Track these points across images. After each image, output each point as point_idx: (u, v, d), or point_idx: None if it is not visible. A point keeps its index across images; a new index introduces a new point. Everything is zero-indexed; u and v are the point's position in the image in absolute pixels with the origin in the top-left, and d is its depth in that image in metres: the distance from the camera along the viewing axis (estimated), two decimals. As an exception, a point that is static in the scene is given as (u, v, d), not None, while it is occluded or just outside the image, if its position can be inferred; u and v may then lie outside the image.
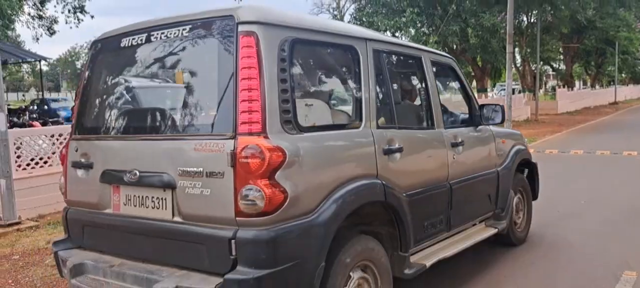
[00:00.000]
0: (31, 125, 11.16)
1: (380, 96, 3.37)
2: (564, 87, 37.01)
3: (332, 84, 3.75)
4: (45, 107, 22.00)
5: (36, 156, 7.35)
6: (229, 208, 2.50)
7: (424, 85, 3.90)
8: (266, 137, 2.49)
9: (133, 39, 3.08)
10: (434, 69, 4.03)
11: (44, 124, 12.97)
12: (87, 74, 3.42)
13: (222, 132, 2.56)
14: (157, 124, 3.07)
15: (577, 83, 52.88)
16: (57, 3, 33.87)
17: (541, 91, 39.86)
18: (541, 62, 33.44)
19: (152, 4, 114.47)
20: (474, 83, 29.81)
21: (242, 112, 2.50)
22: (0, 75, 6.29)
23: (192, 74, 3.13)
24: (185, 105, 3.02)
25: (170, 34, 2.90)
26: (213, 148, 2.55)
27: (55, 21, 35.23)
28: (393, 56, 3.72)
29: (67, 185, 3.35)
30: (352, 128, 3.11)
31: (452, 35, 22.74)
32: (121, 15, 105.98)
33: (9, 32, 42.05)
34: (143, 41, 3.03)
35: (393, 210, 3.20)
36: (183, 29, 2.85)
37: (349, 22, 32.68)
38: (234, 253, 2.48)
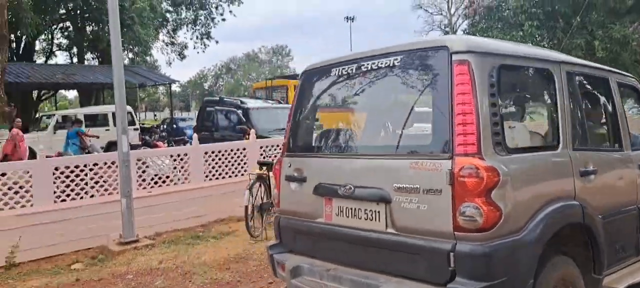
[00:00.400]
0: (156, 145, 11.99)
1: (574, 118, 3.42)
2: None
3: (531, 107, 3.95)
4: (174, 126, 23.80)
5: (155, 176, 7.78)
6: (448, 223, 2.71)
7: (611, 106, 3.92)
8: (481, 158, 2.68)
9: (343, 68, 3.46)
10: (620, 90, 4.03)
11: (168, 144, 13.93)
12: (297, 99, 3.83)
13: (439, 153, 2.79)
14: (371, 144, 3.50)
15: None
16: (187, 30, 36.87)
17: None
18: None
19: (264, 30, 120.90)
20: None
21: (459, 135, 2.71)
22: (123, 99, 6.72)
23: (404, 99, 3.43)
24: (398, 127, 3.38)
25: (381, 63, 3.20)
26: (430, 168, 2.78)
27: (185, 47, 38.34)
28: (583, 78, 3.75)
29: (280, 196, 3.77)
30: (551, 150, 3.22)
31: (577, 49, 21.02)
32: (242, 40, 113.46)
33: (147, 58, 46.59)
34: (353, 70, 3.40)
35: (589, 232, 3.23)
36: (394, 59, 3.13)
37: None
38: (452, 265, 2.68)
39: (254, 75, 72.61)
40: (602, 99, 4.13)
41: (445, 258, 2.68)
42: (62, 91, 47.14)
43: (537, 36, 23.03)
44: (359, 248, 3.14)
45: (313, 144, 3.77)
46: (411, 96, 3.32)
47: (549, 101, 3.41)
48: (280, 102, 14.46)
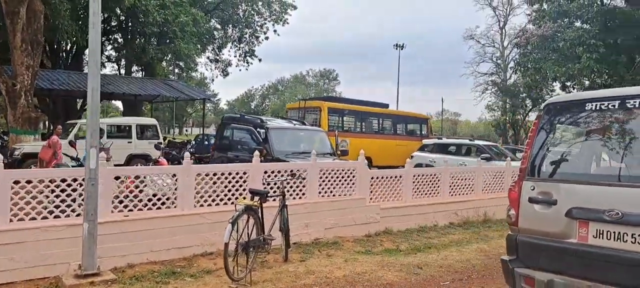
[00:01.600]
0: (158, 163, 11.13)
1: None
2: None
3: None
4: (206, 142, 23.19)
5: (158, 196, 6.80)
6: None
7: None
8: None
9: (602, 104, 3.74)
10: None
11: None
12: (540, 128, 4.14)
13: None
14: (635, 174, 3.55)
15: None
16: (231, 48, 36.83)
17: None
18: None
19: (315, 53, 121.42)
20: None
21: None
22: (97, 107, 5.79)
23: None
24: None
25: None
26: None
27: (229, 64, 38.29)
28: None
29: (519, 216, 4.07)
30: None
31: (641, 86, 18.80)
32: (291, 62, 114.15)
33: (193, 74, 46.78)
34: (616, 106, 3.68)
35: None
36: None
37: (512, 68, 29.58)
38: None
39: (299, 97, 72.54)
40: None
41: None
42: (115, 102, 47.99)
43: (595, 70, 21.21)
44: (622, 269, 3.34)
45: (563, 171, 4.02)
46: None
47: None
48: (304, 124, 13.30)
